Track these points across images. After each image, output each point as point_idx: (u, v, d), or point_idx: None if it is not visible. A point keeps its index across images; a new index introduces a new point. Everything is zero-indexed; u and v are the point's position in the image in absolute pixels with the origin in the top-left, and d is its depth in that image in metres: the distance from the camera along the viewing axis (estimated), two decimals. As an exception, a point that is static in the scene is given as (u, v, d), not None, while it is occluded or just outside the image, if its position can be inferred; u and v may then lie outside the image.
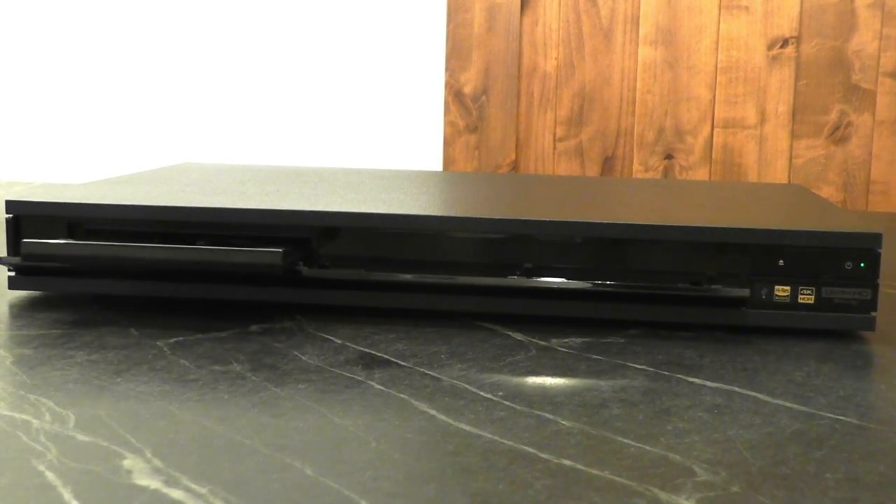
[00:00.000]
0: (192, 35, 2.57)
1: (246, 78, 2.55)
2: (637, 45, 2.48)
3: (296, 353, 0.62)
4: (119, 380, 0.56)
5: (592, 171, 2.46)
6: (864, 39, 2.41)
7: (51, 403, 0.52)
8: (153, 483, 0.43)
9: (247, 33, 2.54)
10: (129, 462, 0.45)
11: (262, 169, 0.97)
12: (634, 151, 2.48)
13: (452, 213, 0.69)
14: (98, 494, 0.41)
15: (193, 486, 0.43)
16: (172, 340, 0.64)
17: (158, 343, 0.63)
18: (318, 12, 2.52)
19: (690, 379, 0.59)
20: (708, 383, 0.58)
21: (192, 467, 0.44)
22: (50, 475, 0.43)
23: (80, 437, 0.48)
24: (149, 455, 0.46)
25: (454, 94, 2.46)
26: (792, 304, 0.67)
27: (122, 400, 0.53)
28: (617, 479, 0.44)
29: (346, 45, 2.51)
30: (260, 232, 0.70)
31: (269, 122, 2.55)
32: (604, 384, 0.57)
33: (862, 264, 0.66)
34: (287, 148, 2.57)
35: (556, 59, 2.45)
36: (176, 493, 0.42)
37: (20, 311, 0.70)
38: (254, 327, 0.67)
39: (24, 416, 0.50)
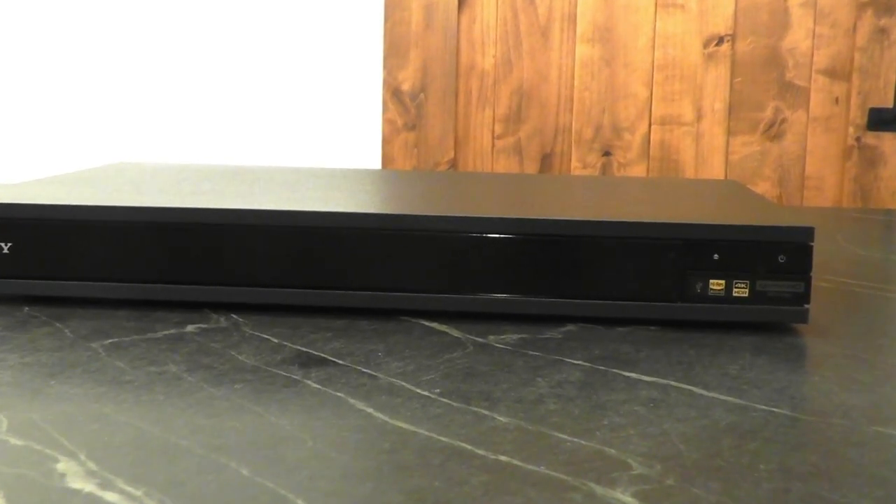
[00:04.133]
0: (126, 35, 2.54)
1: (182, 77, 2.53)
2: (574, 42, 2.49)
3: (232, 352, 0.62)
4: (53, 382, 0.56)
5: (531, 168, 2.47)
6: (798, 37, 2.44)
7: (-17, 407, 0.51)
8: (87, 486, 0.42)
9: (183, 33, 2.52)
10: (62, 465, 0.44)
11: (199, 168, 0.97)
12: (573, 148, 2.49)
13: (389, 211, 0.69)
14: (31, 500, 0.41)
15: (128, 488, 0.42)
16: (108, 342, 0.63)
17: (93, 345, 0.63)
18: (256, 11, 2.51)
19: (626, 373, 0.59)
20: (644, 377, 0.59)
21: (126, 469, 0.44)
22: (-19, 480, 0.43)
23: (13, 440, 0.47)
24: (83, 458, 0.45)
25: (392, 92, 2.46)
26: (727, 298, 0.68)
27: (56, 403, 0.52)
28: (553, 473, 0.45)
29: (283, 43, 2.51)
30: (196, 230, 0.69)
31: (207, 120, 2.54)
32: (540, 380, 0.58)
33: (795, 258, 0.67)
34: (225, 146, 2.55)
35: (493, 56, 2.46)
36: (111, 496, 0.41)
37: (-48, 315, 0.69)
38: (190, 328, 0.67)
39: (-44, 421, 0.49)
